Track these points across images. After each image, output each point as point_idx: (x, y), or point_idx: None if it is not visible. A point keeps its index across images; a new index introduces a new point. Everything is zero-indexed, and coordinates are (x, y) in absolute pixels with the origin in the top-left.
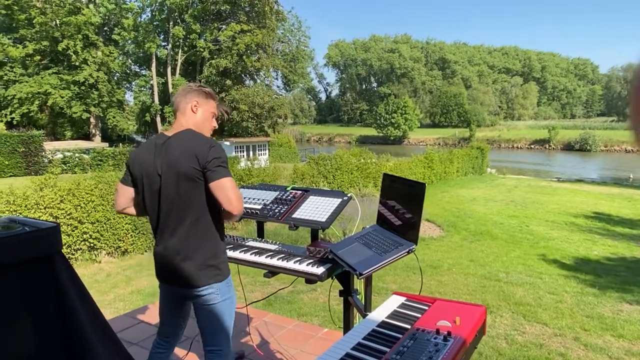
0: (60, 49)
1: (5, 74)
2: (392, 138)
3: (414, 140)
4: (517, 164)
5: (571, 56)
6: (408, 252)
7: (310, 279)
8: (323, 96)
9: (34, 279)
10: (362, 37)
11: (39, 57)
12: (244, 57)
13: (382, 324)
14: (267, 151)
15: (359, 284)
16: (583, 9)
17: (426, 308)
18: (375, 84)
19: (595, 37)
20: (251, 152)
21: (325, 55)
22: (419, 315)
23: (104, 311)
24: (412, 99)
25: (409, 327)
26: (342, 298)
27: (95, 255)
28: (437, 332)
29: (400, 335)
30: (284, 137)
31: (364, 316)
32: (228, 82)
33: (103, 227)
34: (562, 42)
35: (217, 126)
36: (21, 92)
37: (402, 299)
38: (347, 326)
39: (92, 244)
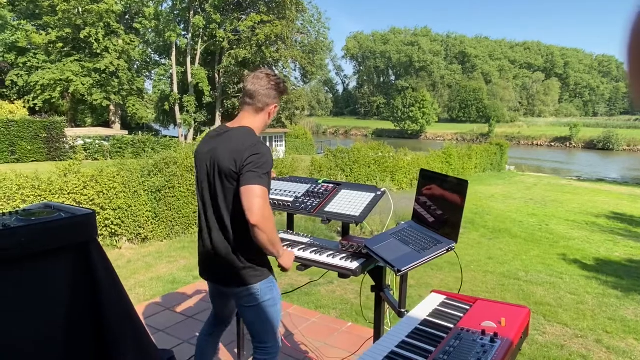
0: (82, 36)
1: (29, 60)
2: (409, 132)
3: (432, 135)
4: (537, 162)
5: (595, 52)
6: (447, 250)
7: (344, 273)
8: (340, 88)
9: (69, 266)
10: (381, 29)
11: (61, 44)
12: (263, 47)
13: (425, 323)
14: (283, 143)
15: (391, 280)
16: (608, 5)
17: (467, 308)
18: (393, 77)
19: (620, 34)
20: (268, 143)
21: (343, 47)
22: (461, 315)
23: None
24: (430, 93)
25: (452, 326)
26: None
27: (116, 242)
28: (483, 333)
29: (444, 335)
30: (301, 129)
31: (399, 313)
32: (246, 72)
33: (124, 214)
34: (587, 38)
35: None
36: (44, 78)
37: (441, 298)
38: (379, 322)
39: (113, 230)
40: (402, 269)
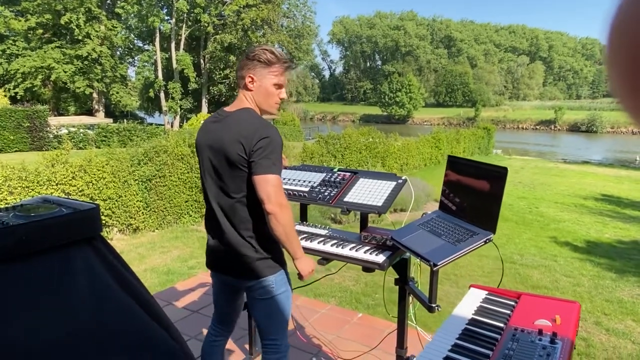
0: (62, 22)
1: (8, 48)
2: (396, 117)
3: (419, 119)
4: (523, 145)
5: (579, 35)
6: (485, 242)
7: (370, 267)
8: (327, 74)
9: (70, 265)
10: (367, 13)
11: (41, 31)
12: (249, 32)
13: (473, 322)
14: None
15: (414, 272)
16: None
17: (513, 304)
18: (379, 62)
19: (604, 17)
20: None
21: (329, 32)
22: (509, 312)
23: None
24: (416, 77)
25: (502, 325)
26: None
27: (107, 233)
28: (540, 332)
29: (497, 336)
30: (289, 115)
31: (429, 308)
32: (232, 58)
33: (115, 204)
34: (571, 22)
35: (285, 97)
36: (24, 66)
37: (483, 293)
38: (403, 316)
39: (103, 221)
40: (439, 263)
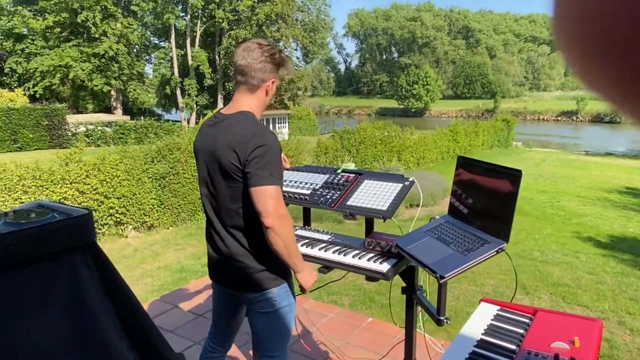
0: (79, 20)
1: (27, 47)
2: (413, 110)
3: (436, 112)
4: (544, 137)
5: None
6: (497, 252)
7: (374, 276)
8: (342, 67)
9: (56, 276)
10: (383, 5)
11: (59, 29)
12: (264, 27)
13: (482, 344)
14: (287, 124)
15: (423, 281)
16: None
17: (528, 321)
18: (396, 54)
19: None
20: (271, 125)
21: (344, 25)
22: (523, 332)
23: (134, 288)
24: (434, 69)
25: (515, 348)
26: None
27: (122, 230)
28: (557, 358)
29: None
30: (304, 110)
31: (438, 321)
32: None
33: (129, 202)
34: None
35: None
36: (43, 65)
37: (494, 309)
38: (411, 327)
39: (118, 219)
40: (446, 275)
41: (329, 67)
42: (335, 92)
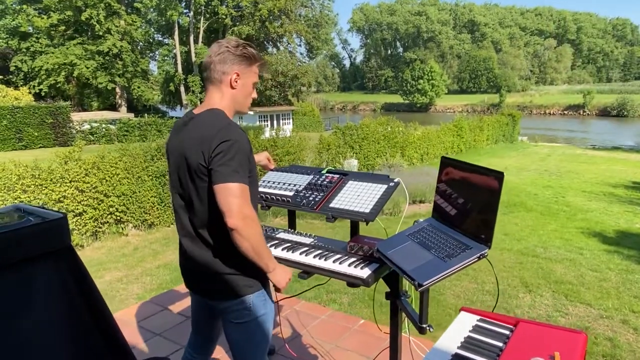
0: (83, 18)
1: (32, 45)
2: (418, 105)
3: (441, 107)
4: (550, 131)
5: (609, 16)
6: (479, 258)
7: (353, 282)
8: (347, 63)
9: (30, 284)
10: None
11: (63, 28)
12: (267, 23)
13: (457, 359)
14: (290, 120)
15: (409, 286)
16: None
17: (508, 333)
18: (400, 49)
19: None
20: (275, 122)
21: (349, 20)
22: (502, 345)
23: (133, 286)
24: (439, 64)
25: None
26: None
27: (122, 229)
28: None
29: None
30: (308, 106)
31: (420, 329)
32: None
33: (129, 200)
34: (600, 2)
35: (256, 97)
36: (47, 63)
37: (474, 319)
38: (395, 333)
39: (118, 217)
40: (424, 283)
41: (333, 63)
42: (340, 87)
